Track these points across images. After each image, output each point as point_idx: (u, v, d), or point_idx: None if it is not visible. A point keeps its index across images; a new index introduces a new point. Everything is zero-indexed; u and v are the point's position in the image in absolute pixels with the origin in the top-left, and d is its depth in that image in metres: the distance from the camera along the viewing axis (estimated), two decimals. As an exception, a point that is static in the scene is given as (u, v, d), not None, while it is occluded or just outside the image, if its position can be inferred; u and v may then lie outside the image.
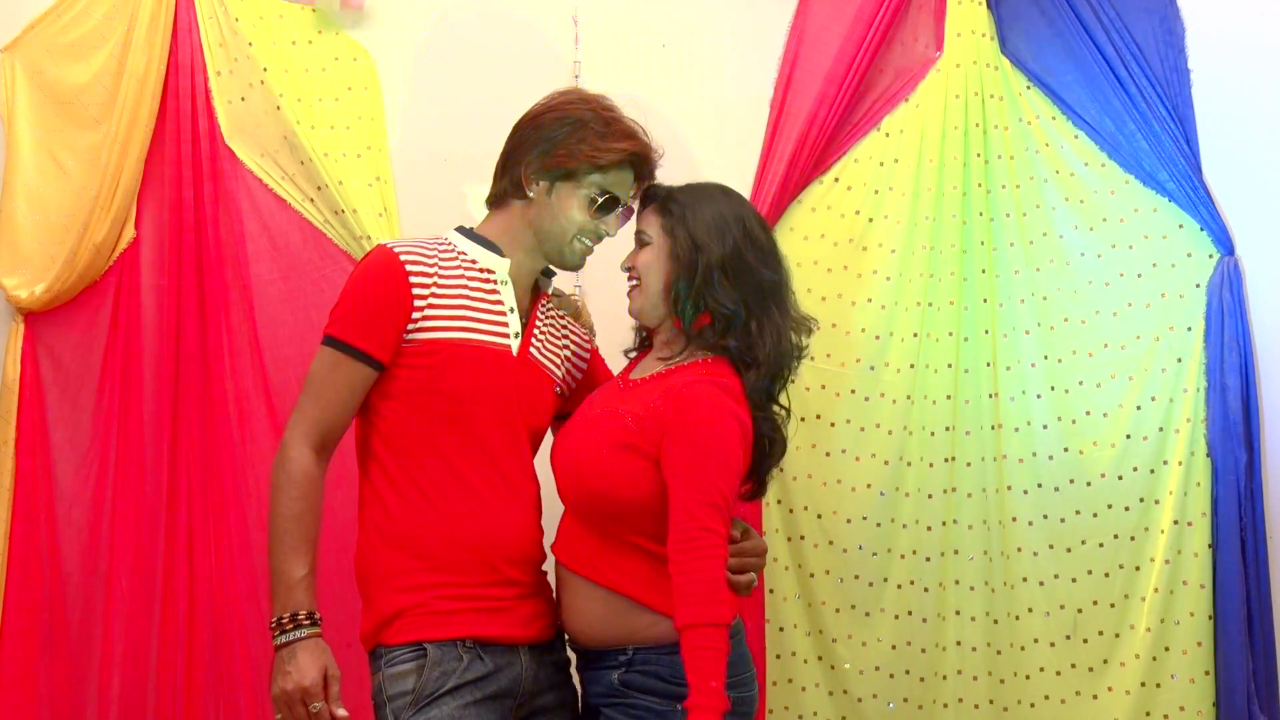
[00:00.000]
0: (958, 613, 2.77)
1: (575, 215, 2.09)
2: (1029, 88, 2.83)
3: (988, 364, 2.80)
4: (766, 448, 2.08)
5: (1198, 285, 2.71)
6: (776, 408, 2.10)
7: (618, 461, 2.00)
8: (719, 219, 2.09)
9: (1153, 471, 2.70)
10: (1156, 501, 2.69)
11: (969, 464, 2.79)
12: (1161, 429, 2.70)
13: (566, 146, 2.07)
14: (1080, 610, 2.73)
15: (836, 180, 2.85)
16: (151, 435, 2.80)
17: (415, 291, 2.01)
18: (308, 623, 1.97)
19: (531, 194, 2.10)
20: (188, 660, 2.78)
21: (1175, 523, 2.66)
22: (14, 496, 2.75)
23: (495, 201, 2.16)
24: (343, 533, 2.78)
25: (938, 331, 2.82)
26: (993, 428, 2.79)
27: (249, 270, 2.84)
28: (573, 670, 2.16)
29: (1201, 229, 2.72)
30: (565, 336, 2.25)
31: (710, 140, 2.91)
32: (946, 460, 2.79)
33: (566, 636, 2.14)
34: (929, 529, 2.79)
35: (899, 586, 2.79)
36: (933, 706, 2.77)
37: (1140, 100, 2.73)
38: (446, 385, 2.02)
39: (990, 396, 2.79)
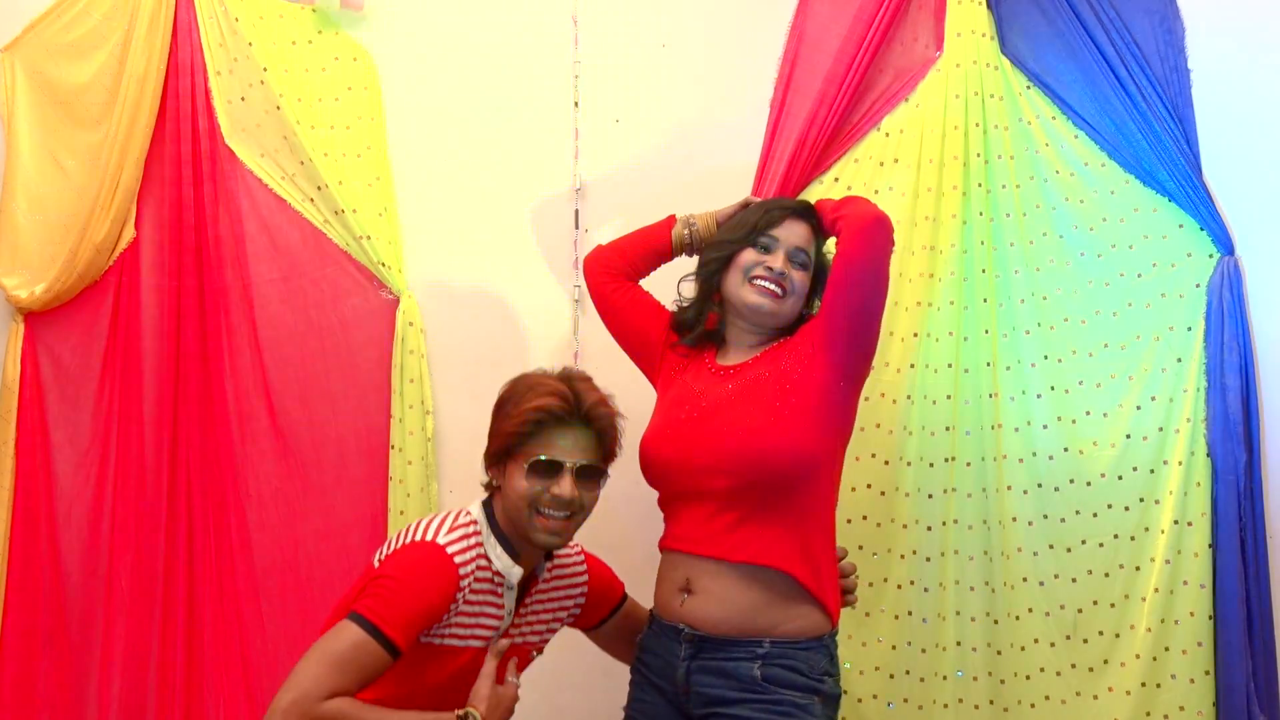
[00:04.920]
0: (958, 613, 2.77)
1: (519, 486, 2.12)
2: (1029, 88, 2.83)
3: (988, 364, 2.80)
4: None
5: (1198, 285, 2.71)
6: None
7: (791, 413, 2.17)
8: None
9: (1153, 471, 2.70)
10: (1156, 501, 2.69)
11: (969, 464, 2.79)
12: (1161, 429, 2.70)
13: (495, 428, 2.16)
14: (1080, 610, 2.72)
15: (836, 180, 2.85)
16: (151, 435, 2.80)
17: (452, 605, 2.07)
18: (461, 716, 2.02)
19: (495, 483, 2.17)
20: (188, 660, 2.79)
21: (1175, 523, 2.66)
22: (14, 496, 2.76)
23: (490, 489, 2.21)
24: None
25: (938, 331, 2.81)
26: (993, 428, 2.78)
27: (249, 270, 2.85)
28: (679, 659, 2.19)
29: (1201, 229, 2.72)
30: (564, 598, 2.31)
31: (710, 140, 2.91)
32: (946, 460, 2.79)
33: (686, 625, 2.18)
34: (929, 529, 2.79)
35: (899, 587, 2.79)
36: (933, 707, 2.76)
37: (1140, 100, 2.73)
38: (426, 681, 2.08)
39: (990, 396, 2.79)
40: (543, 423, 2.12)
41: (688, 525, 2.22)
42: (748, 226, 2.33)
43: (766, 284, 2.28)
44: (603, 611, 2.39)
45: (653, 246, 2.46)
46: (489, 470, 2.19)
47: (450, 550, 2.06)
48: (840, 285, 2.22)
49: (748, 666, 2.12)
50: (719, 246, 2.35)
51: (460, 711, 2.02)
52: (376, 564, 2.11)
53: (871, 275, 2.23)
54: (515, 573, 2.13)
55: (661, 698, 2.23)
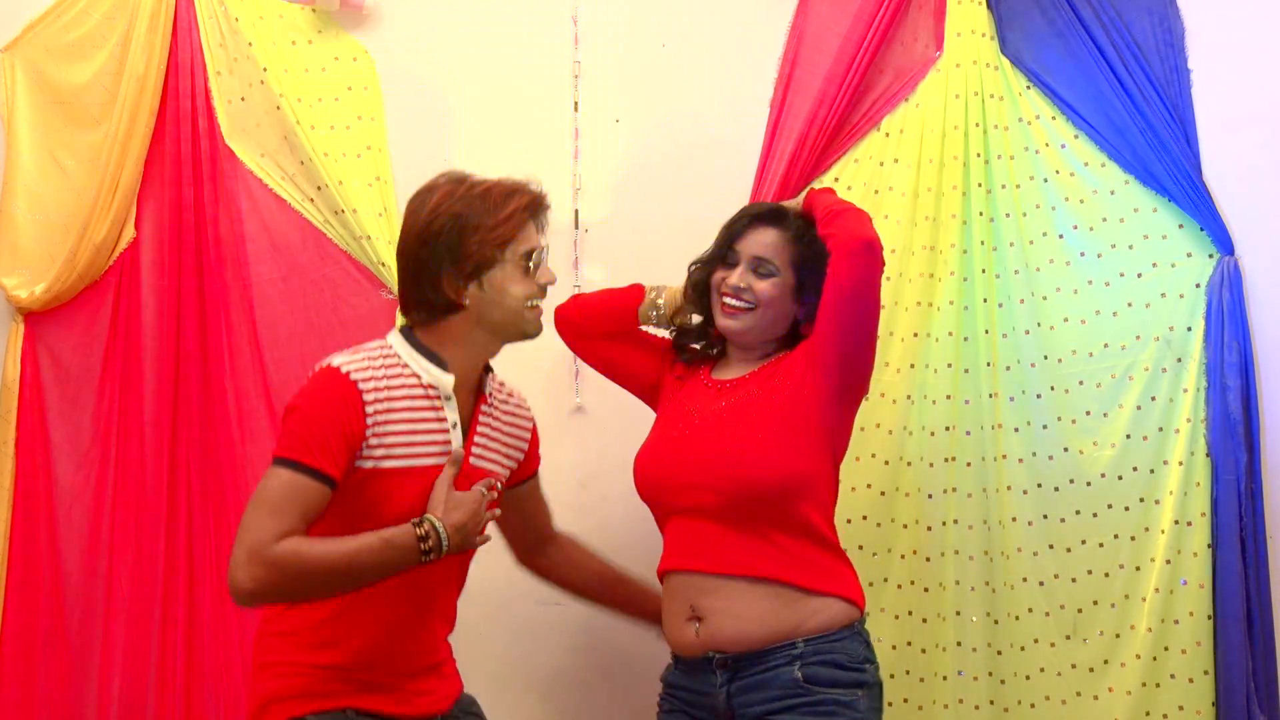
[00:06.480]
0: (958, 613, 2.77)
1: (517, 290, 2.11)
2: (1029, 88, 2.83)
3: (988, 364, 2.80)
4: None
5: (1198, 285, 2.71)
6: None
7: (779, 434, 2.15)
8: (823, 250, 2.20)
9: (1153, 471, 2.70)
10: (1156, 501, 2.69)
11: (969, 464, 2.79)
12: (1161, 429, 2.70)
13: (468, 245, 2.07)
14: (1080, 610, 2.72)
15: (836, 180, 2.85)
16: (151, 435, 2.80)
17: (368, 418, 2.01)
18: (417, 524, 1.97)
19: (467, 301, 2.10)
20: (188, 660, 2.78)
21: (1175, 523, 2.66)
22: (14, 496, 2.76)
23: (427, 320, 2.13)
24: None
25: (938, 331, 2.82)
26: (993, 428, 2.79)
27: (249, 270, 2.85)
28: (718, 687, 2.16)
29: (1201, 229, 2.72)
30: (512, 425, 2.27)
31: (710, 140, 2.91)
32: (946, 460, 2.79)
33: (714, 652, 2.15)
34: (929, 529, 2.79)
35: (899, 587, 2.79)
36: (933, 707, 2.76)
37: (1140, 100, 2.73)
38: (382, 510, 2.02)
39: (990, 396, 2.79)
40: (529, 217, 2.12)
41: (682, 542, 2.21)
42: (717, 244, 2.32)
43: (728, 300, 2.26)
44: (523, 474, 2.33)
45: (618, 318, 2.42)
46: (448, 290, 2.08)
47: (345, 368, 2.03)
48: (830, 308, 2.18)
49: (788, 671, 2.10)
50: (699, 270, 2.35)
51: (417, 520, 1.98)
52: None
53: (861, 300, 2.18)
54: (446, 380, 2.09)
55: None
